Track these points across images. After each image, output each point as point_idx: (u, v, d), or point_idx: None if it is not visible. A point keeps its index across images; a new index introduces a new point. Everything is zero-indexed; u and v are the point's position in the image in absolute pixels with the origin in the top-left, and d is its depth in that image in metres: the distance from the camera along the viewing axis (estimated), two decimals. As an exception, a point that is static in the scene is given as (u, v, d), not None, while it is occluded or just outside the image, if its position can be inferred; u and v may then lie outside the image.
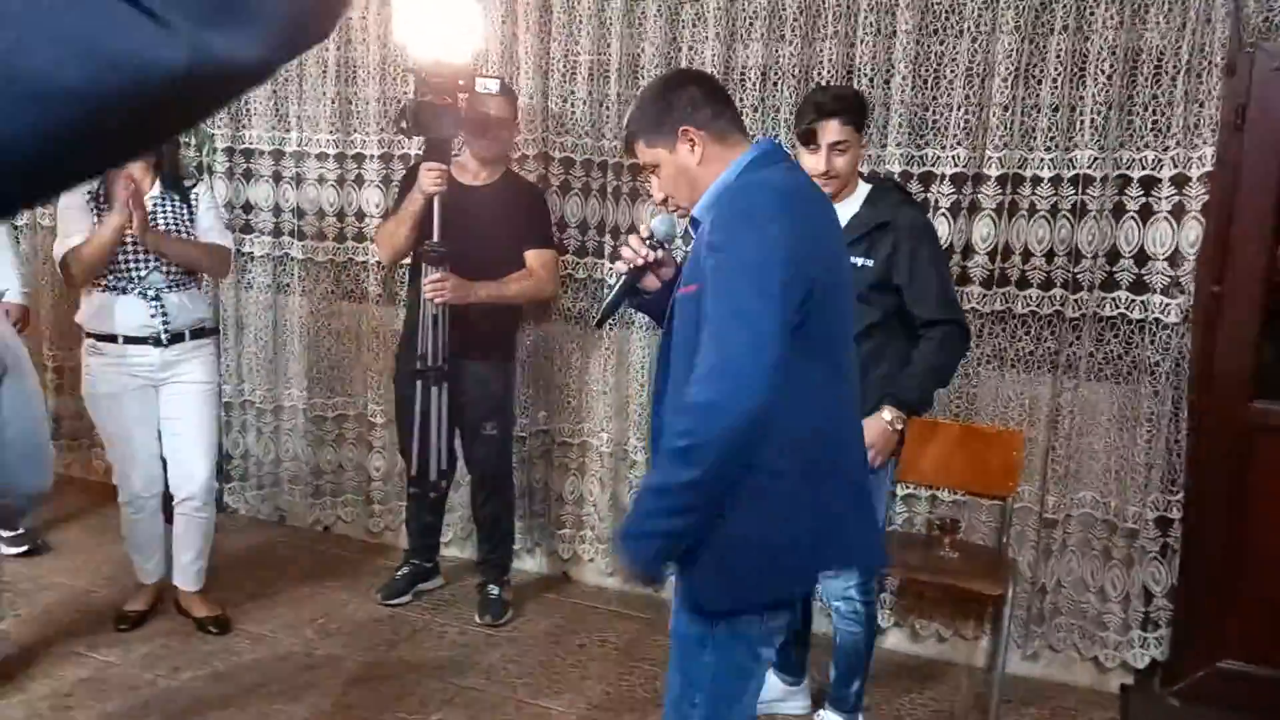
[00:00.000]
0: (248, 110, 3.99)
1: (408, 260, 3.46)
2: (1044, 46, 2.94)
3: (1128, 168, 2.93)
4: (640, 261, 1.95)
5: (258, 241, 4.08)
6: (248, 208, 4.08)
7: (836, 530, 1.79)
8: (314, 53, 3.81)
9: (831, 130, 2.53)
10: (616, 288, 2.03)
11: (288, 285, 4.08)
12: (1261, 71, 2.80)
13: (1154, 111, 2.88)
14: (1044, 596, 3.21)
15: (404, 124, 3.01)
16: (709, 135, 1.81)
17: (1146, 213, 2.93)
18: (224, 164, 4.04)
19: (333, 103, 3.84)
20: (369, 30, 3.72)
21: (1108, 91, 2.88)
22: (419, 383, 3.22)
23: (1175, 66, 2.82)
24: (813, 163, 2.54)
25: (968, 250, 3.10)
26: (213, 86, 0.41)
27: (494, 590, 3.55)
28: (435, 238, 3.11)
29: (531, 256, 3.33)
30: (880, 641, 3.40)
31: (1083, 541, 3.14)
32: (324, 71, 3.82)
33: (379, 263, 3.83)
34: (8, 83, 0.39)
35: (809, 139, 2.56)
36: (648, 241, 1.96)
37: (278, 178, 4.02)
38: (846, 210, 2.55)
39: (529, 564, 3.93)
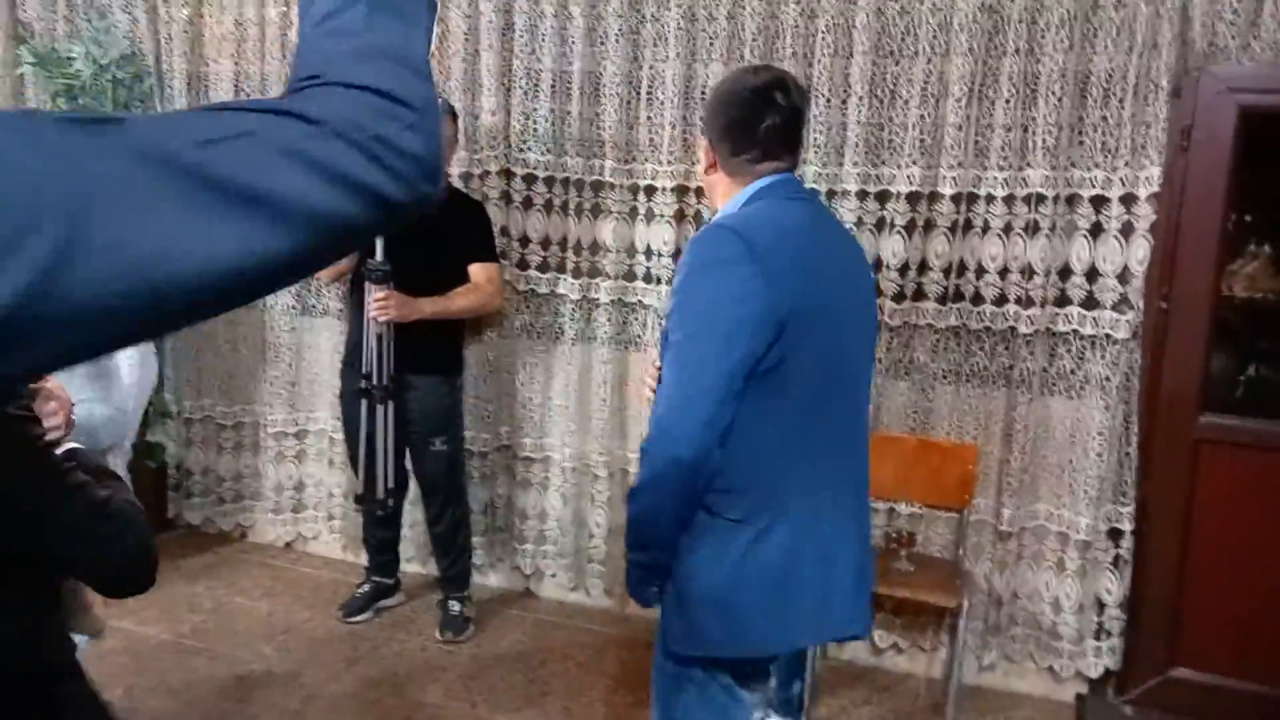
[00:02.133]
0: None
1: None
2: (997, 68, 3.00)
3: (1078, 187, 2.99)
4: None
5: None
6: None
7: (802, 601, 1.72)
8: (276, 69, 3.81)
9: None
10: None
11: (259, 303, 4.05)
12: (1206, 95, 2.88)
13: (1103, 133, 2.94)
14: (1000, 607, 3.25)
15: None
16: (722, 160, 1.84)
17: (1097, 231, 3.00)
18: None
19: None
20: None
21: (1059, 113, 2.95)
22: (364, 401, 3.23)
23: (1123, 89, 2.89)
24: None
25: (923, 267, 3.15)
26: (410, 214, 0.67)
27: (454, 606, 3.54)
28: (379, 256, 3.11)
29: (476, 270, 3.34)
30: (839, 652, 3.44)
31: (1037, 553, 3.20)
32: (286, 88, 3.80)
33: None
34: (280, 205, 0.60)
35: None
36: None
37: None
38: None
39: (492, 579, 3.93)
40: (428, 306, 3.22)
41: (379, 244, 3.10)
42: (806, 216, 1.81)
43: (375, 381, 3.20)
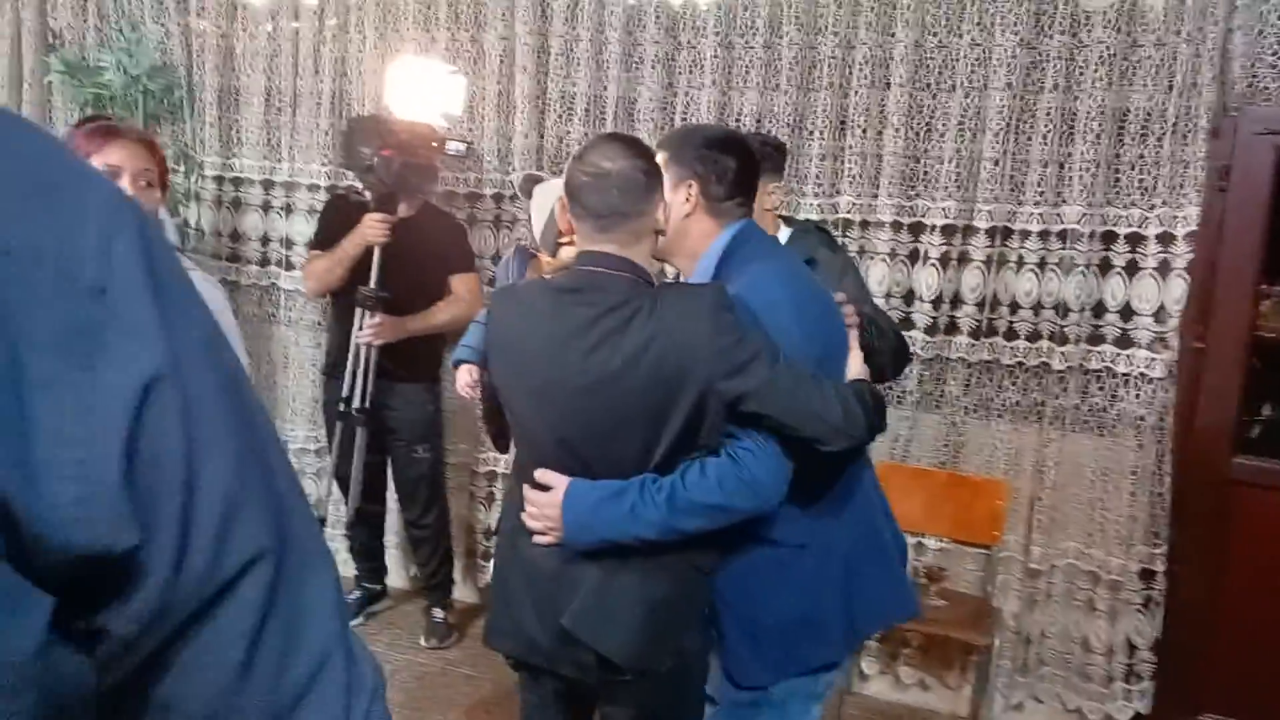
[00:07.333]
0: (238, 138, 3.96)
1: None
2: (1034, 104, 3.00)
3: (1114, 224, 2.98)
4: None
5: (244, 271, 4.04)
6: (235, 236, 4.05)
7: (868, 593, 1.87)
8: (309, 84, 3.81)
9: None
10: None
11: (273, 315, 4.04)
12: (1244, 135, 2.88)
13: (1140, 170, 2.94)
14: (1028, 646, 3.21)
15: (385, 179, 3.07)
16: (712, 203, 1.83)
17: (1132, 269, 2.98)
18: (213, 191, 4.01)
19: (326, 134, 3.83)
20: (364, 64, 3.73)
21: (1096, 149, 2.94)
22: (339, 424, 3.28)
23: (1161, 127, 2.89)
24: None
25: (956, 300, 3.14)
26: None
27: (438, 614, 3.59)
28: (373, 284, 3.18)
29: (457, 281, 3.42)
30: (863, 688, 3.40)
31: (1067, 592, 3.16)
32: (318, 103, 3.81)
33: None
34: None
35: None
36: None
37: (267, 207, 3.99)
38: None
39: (459, 593, 3.85)
40: (413, 324, 3.30)
41: (374, 271, 3.17)
42: (797, 262, 1.95)
43: (357, 405, 3.23)
